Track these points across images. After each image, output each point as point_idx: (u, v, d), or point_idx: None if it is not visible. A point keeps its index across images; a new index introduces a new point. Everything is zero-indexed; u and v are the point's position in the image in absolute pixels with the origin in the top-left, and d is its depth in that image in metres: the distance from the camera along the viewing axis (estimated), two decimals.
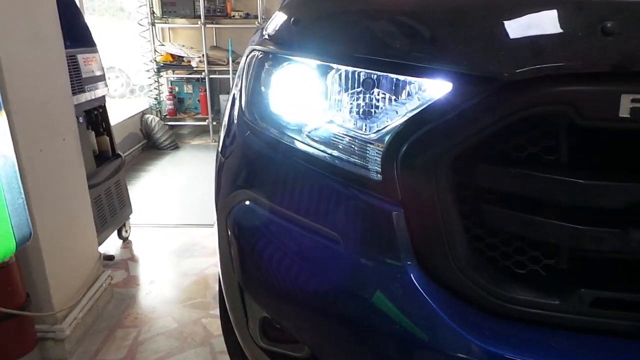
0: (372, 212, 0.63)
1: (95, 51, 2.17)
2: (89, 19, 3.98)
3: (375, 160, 0.62)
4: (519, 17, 0.53)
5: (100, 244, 2.06)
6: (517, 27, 0.54)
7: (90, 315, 1.75)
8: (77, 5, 2.19)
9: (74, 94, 1.87)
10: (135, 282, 2.13)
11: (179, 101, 4.75)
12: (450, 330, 0.57)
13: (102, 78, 2.21)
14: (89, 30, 2.15)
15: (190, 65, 4.43)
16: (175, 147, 4.41)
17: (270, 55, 0.79)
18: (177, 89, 4.76)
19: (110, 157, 2.34)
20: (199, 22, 4.32)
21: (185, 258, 2.31)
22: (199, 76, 4.52)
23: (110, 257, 2.23)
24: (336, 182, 0.67)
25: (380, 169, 0.61)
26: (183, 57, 4.46)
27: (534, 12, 0.53)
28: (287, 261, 0.74)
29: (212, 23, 4.43)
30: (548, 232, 0.55)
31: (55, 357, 1.57)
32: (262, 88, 0.80)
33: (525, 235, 0.57)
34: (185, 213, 2.89)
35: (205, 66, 4.36)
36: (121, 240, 2.47)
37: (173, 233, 2.61)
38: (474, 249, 0.60)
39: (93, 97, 2.16)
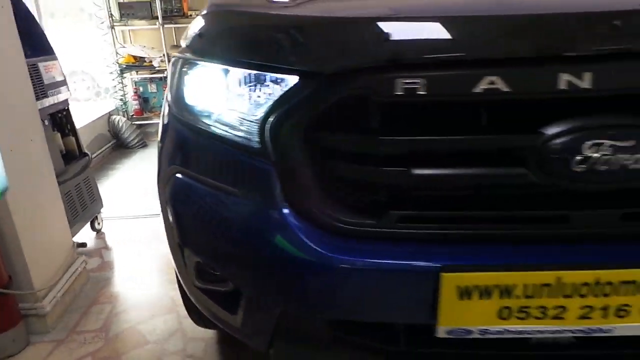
0: (257, 171, 0.88)
1: (55, 58, 2.35)
2: (50, 23, 4.10)
3: (256, 133, 0.87)
4: (331, 33, 0.80)
5: (74, 234, 2.28)
6: (330, 40, 0.80)
7: (68, 295, 1.97)
8: (33, 17, 2.36)
9: (37, 99, 2.07)
10: (109, 266, 2.35)
11: (144, 101, 4.91)
12: (310, 247, 0.83)
13: (63, 83, 2.40)
14: (47, 39, 2.33)
15: (152, 65, 4.59)
16: (143, 145, 4.59)
17: (186, 61, 1.03)
18: (141, 89, 4.92)
19: (77, 156, 2.53)
20: (157, 23, 4.48)
21: (154, 244, 2.53)
22: (161, 75, 4.68)
23: (82, 244, 2.44)
24: (234, 152, 0.92)
25: (258, 140, 0.86)
26: (144, 57, 4.62)
27: (338, 30, 0.80)
28: (207, 216, 0.99)
29: (171, 23, 4.59)
30: (368, 176, 0.82)
31: (38, 330, 1.79)
32: (182, 86, 1.04)
33: (356, 179, 0.84)
34: (154, 204, 3.09)
35: (167, 65, 4.53)
36: (95, 232, 2.68)
37: (143, 223, 2.83)
38: (324, 192, 0.86)
39: (56, 102, 2.35)
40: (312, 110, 0.81)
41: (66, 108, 2.48)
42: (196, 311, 1.25)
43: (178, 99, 1.05)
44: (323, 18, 0.83)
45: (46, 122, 2.26)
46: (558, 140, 0.74)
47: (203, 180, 0.99)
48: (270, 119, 0.84)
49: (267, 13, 0.92)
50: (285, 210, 0.86)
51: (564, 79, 0.72)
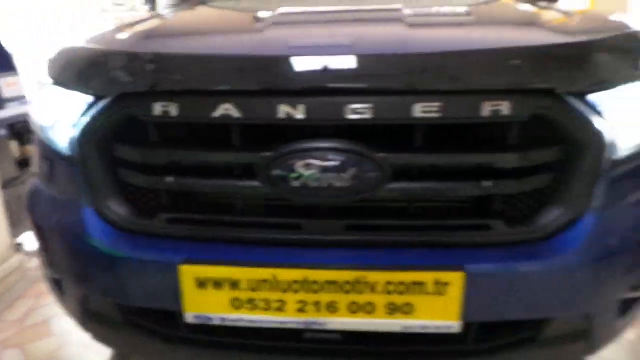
0: (70, 176, 1.06)
1: (16, 74, 2.62)
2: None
3: (69, 144, 1.04)
4: (113, 64, 0.98)
5: (20, 234, 2.49)
6: (112, 70, 0.98)
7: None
8: None
9: None
10: None
11: None
12: (99, 241, 1.00)
13: (23, 97, 2.66)
14: (10, 58, 2.60)
15: None
16: None
17: (43, 86, 1.22)
18: None
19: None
20: None
21: None
22: None
23: (19, 244, 2.64)
24: (57, 160, 1.10)
25: (70, 149, 1.04)
26: None
27: (116, 60, 0.98)
28: (41, 213, 1.17)
29: None
30: (142, 182, 0.99)
31: None
32: (39, 106, 1.23)
33: (135, 184, 1.01)
34: None
35: None
36: None
37: None
38: (116, 194, 1.02)
39: (15, 113, 2.60)
40: (103, 125, 0.98)
41: (26, 119, 2.73)
42: None
43: (36, 116, 1.25)
44: (110, 51, 1.01)
45: (2, 131, 2.51)
46: (279, 160, 0.89)
47: (40, 184, 1.17)
48: (76, 132, 1.02)
49: (82, 47, 1.11)
50: (87, 209, 1.03)
51: (282, 110, 0.88)
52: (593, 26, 1.13)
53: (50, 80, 1.16)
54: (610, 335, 1.09)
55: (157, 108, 0.92)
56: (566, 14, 1.26)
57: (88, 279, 1.07)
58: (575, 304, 0.97)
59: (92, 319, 1.12)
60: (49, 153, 1.13)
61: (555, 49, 0.91)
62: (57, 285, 1.19)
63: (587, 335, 1.02)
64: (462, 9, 1.27)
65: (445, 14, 1.28)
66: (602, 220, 0.93)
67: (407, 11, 1.19)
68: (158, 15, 1.55)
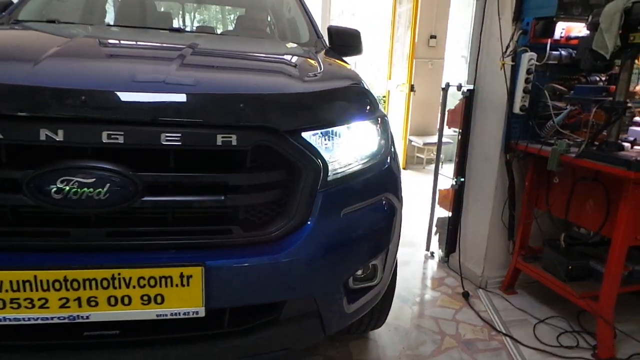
0: None
1: None
2: None
3: None
4: None
5: None
6: None
7: None
8: None
9: None
10: None
11: None
12: None
13: None
14: None
15: None
16: None
17: None
18: None
19: None
20: None
21: None
22: None
23: None
24: None
25: None
26: None
27: None
28: None
29: None
30: None
31: None
32: None
33: None
34: None
35: None
36: None
37: None
38: None
39: None
40: None
41: None
42: None
43: None
44: None
45: None
46: (41, 176, 1.04)
47: None
48: None
49: None
50: None
51: (44, 133, 1.03)
52: (323, 79, 1.49)
53: None
54: (341, 317, 1.42)
55: None
56: (319, 66, 1.62)
57: None
58: (302, 289, 1.26)
59: None
60: None
61: (276, 97, 1.22)
62: None
63: (318, 315, 1.33)
64: (240, 51, 1.53)
65: (223, 55, 1.55)
66: (318, 226, 1.25)
67: (193, 52, 1.43)
68: None
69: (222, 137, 1.11)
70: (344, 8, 10.20)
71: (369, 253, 1.43)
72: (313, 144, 1.24)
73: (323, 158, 1.25)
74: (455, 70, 6.49)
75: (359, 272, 1.44)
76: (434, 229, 3.16)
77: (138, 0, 2.64)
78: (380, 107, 1.69)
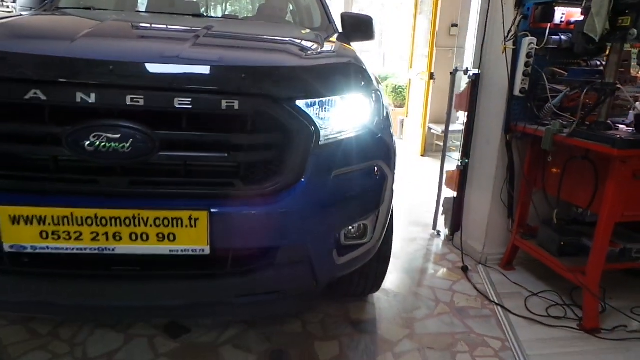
0: None
1: None
2: None
3: None
4: None
5: None
6: None
7: None
8: None
9: None
10: None
11: None
12: None
13: None
14: None
15: None
16: None
17: None
18: None
19: None
20: None
21: None
22: None
23: None
24: None
25: None
26: None
27: None
28: None
29: None
30: None
31: None
32: None
33: None
34: None
35: None
36: None
37: None
38: None
39: None
40: None
41: None
42: None
43: None
44: None
45: None
46: (77, 131, 1.26)
47: None
48: None
49: None
50: None
51: (79, 95, 1.25)
52: (321, 56, 1.66)
53: None
54: (332, 267, 1.60)
55: None
56: (320, 46, 1.80)
57: None
58: (293, 237, 1.46)
59: None
60: None
61: (273, 69, 1.42)
62: None
63: (310, 262, 1.52)
64: (251, 33, 1.73)
65: (233, 37, 1.75)
66: (309, 184, 1.44)
67: (207, 33, 1.63)
68: (18, 16, 1.84)
69: (226, 102, 1.31)
70: None
71: (358, 212, 1.61)
72: (306, 111, 1.42)
73: (315, 124, 1.43)
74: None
75: (350, 228, 1.62)
76: (441, 208, 3.30)
77: None
78: (380, 86, 1.86)
